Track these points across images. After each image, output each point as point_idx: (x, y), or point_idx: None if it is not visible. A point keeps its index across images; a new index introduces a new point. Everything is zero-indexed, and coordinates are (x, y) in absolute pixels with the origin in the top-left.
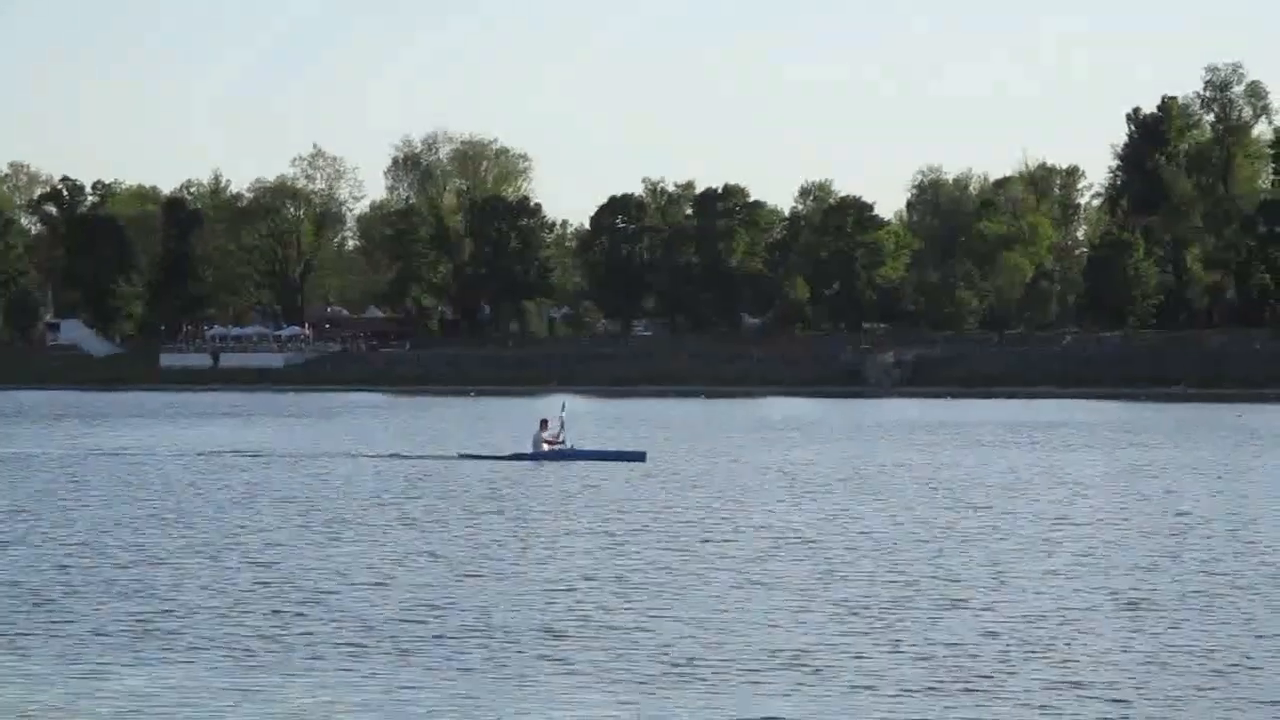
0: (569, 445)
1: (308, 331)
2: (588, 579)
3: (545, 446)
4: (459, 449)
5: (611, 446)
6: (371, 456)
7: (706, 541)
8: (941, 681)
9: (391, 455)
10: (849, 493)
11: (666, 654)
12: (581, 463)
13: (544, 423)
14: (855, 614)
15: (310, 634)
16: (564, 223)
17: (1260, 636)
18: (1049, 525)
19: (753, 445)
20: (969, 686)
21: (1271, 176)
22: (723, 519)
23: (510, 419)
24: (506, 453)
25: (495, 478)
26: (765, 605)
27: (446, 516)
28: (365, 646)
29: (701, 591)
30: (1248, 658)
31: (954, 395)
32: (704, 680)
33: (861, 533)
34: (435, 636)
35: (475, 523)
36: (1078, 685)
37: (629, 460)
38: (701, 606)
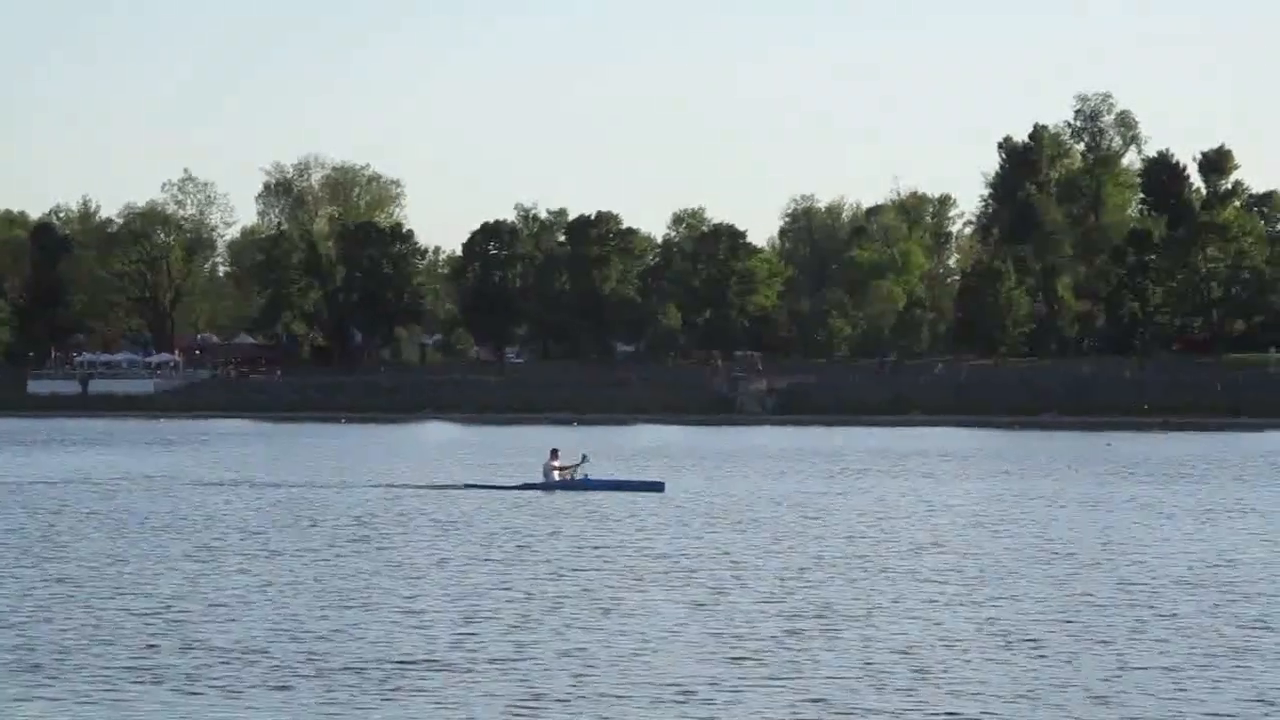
0: (585, 475)
1: (178, 358)
2: (451, 609)
3: (555, 476)
4: (465, 479)
5: (628, 476)
6: (363, 486)
7: (577, 570)
8: (818, 715)
9: (387, 486)
10: (716, 523)
11: (527, 689)
12: (598, 493)
13: (554, 452)
14: (727, 646)
15: (174, 664)
16: (436, 249)
17: (1126, 669)
18: (918, 555)
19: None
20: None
21: (1140, 206)
22: (593, 547)
23: (387, 445)
24: (514, 482)
25: (368, 510)
26: (635, 637)
27: (314, 546)
28: (237, 676)
29: (566, 623)
30: (1119, 690)
31: (829, 423)
32: (562, 712)
33: (733, 563)
34: (279, 667)
35: (340, 553)
36: (951, 716)
37: (647, 490)
38: (566, 639)
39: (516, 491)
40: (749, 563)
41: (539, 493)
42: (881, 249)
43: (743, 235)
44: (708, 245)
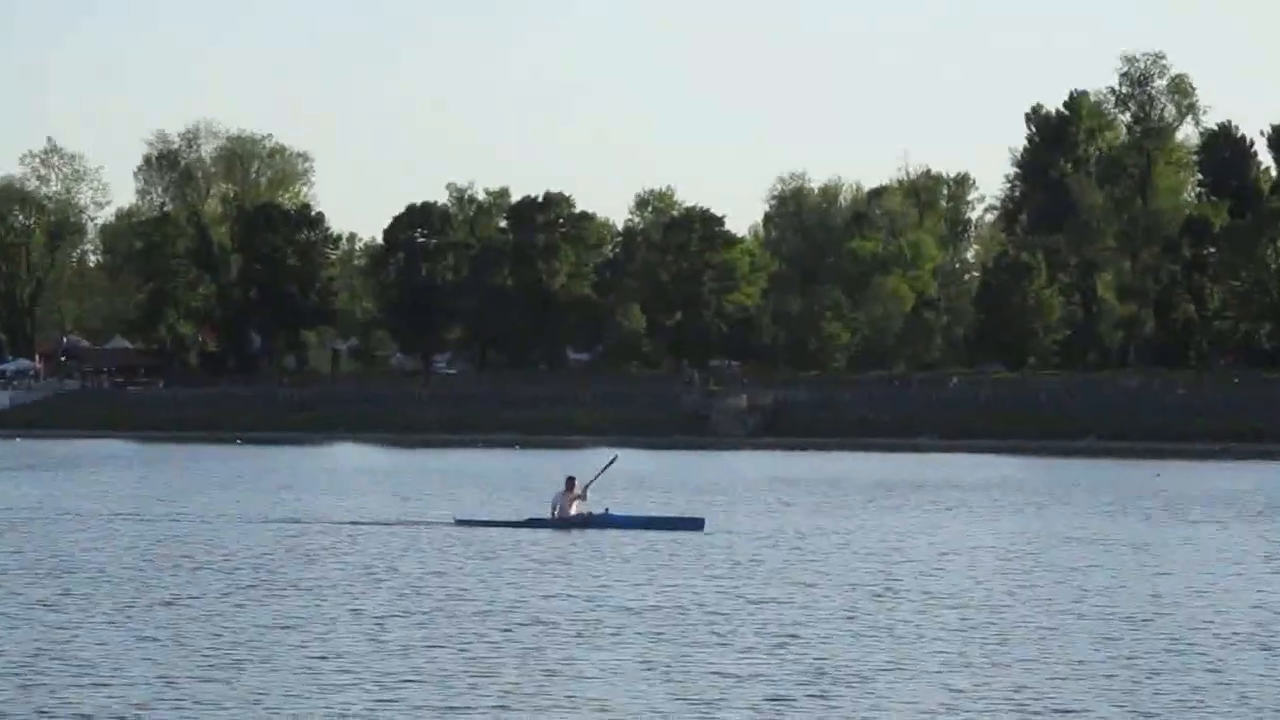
0: (604, 510)
1: (39, 365)
2: (370, 668)
3: (573, 510)
4: (455, 515)
5: (658, 511)
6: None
7: (517, 623)
8: None
9: (378, 523)
10: (693, 566)
11: None
12: (623, 531)
13: (570, 481)
14: (733, 708)
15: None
16: (352, 237)
17: None
18: (937, 607)
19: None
20: None
21: (1197, 189)
22: (540, 591)
23: (295, 470)
24: (521, 518)
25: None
26: (596, 692)
27: (204, 592)
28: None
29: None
30: None
31: (820, 447)
32: None
33: (708, 614)
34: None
35: (239, 602)
36: None
37: (684, 529)
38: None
39: (524, 529)
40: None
41: (551, 531)
42: (886, 239)
43: (720, 222)
44: (678, 233)
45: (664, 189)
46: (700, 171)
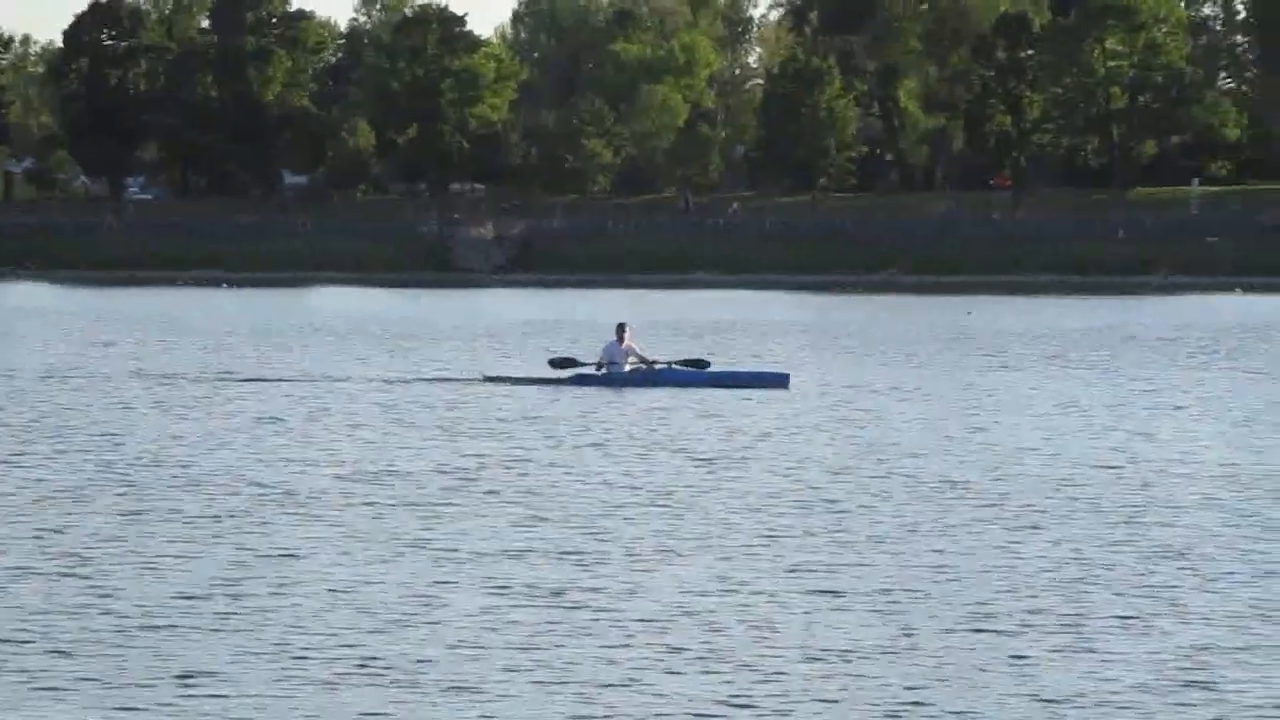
0: (670, 365)
1: None
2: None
3: (627, 366)
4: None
5: (746, 367)
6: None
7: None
8: None
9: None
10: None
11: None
12: (695, 390)
13: (622, 328)
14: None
15: None
16: (26, 39)
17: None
18: (713, 495)
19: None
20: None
21: None
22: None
23: None
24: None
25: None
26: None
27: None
28: None
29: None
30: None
31: (580, 284)
32: None
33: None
34: None
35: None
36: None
37: (769, 385)
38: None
39: (566, 387)
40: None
41: (599, 389)
42: (655, 41)
43: (460, 21)
44: (411, 35)
45: None
46: None
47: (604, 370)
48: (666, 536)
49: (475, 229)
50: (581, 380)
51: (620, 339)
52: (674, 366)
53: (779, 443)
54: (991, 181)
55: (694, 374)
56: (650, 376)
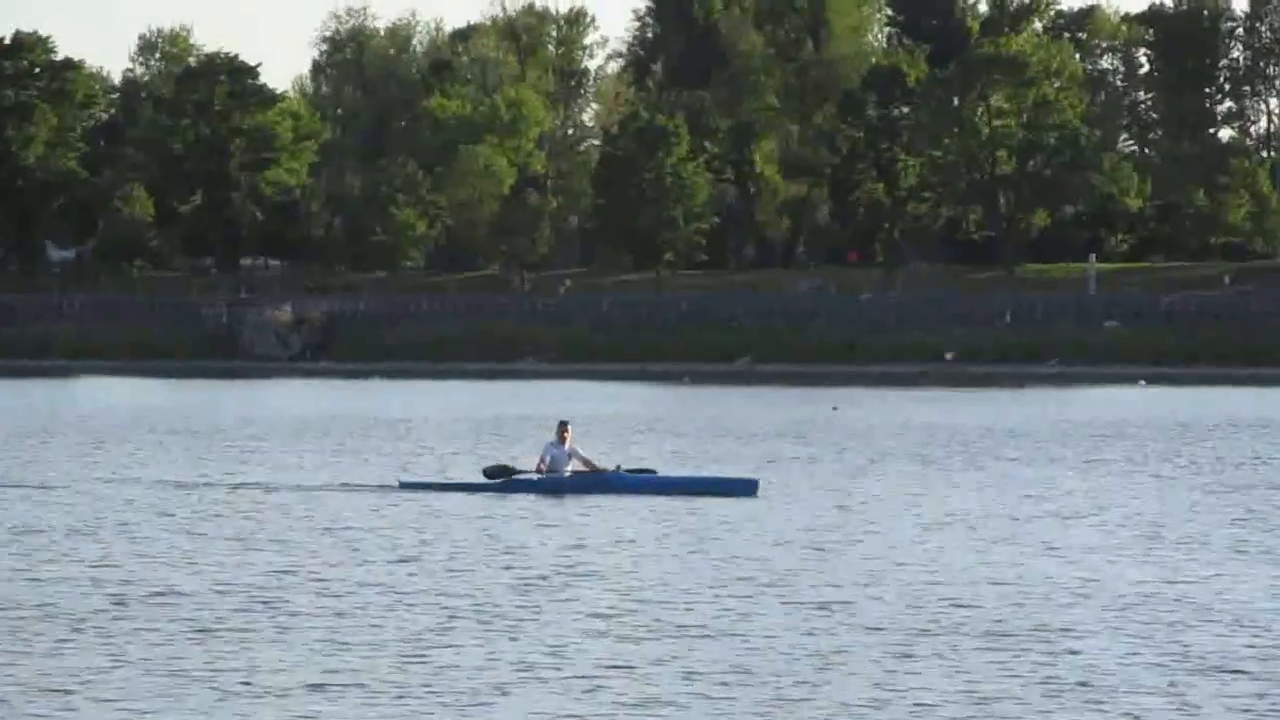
0: (618, 468)
1: None
2: None
3: (568, 470)
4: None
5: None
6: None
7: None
8: None
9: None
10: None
11: None
12: (659, 497)
13: (563, 426)
14: None
15: None
16: None
17: None
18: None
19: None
20: None
21: (887, 29)
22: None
23: None
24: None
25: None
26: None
27: None
28: None
29: None
30: None
31: (391, 373)
32: None
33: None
34: None
35: None
36: None
37: (734, 494)
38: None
39: (495, 494)
40: None
41: (541, 498)
42: (476, 97)
43: (253, 72)
44: (195, 88)
45: (177, 29)
46: (226, 6)
47: (542, 476)
48: (490, 664)
49: (269, 311)
50: (516, 487)
51: (562, 439)
52: (623, 471)
53: (623, 558)
54: (850, 257)
55: (648, 479)
56: (598, 481)
